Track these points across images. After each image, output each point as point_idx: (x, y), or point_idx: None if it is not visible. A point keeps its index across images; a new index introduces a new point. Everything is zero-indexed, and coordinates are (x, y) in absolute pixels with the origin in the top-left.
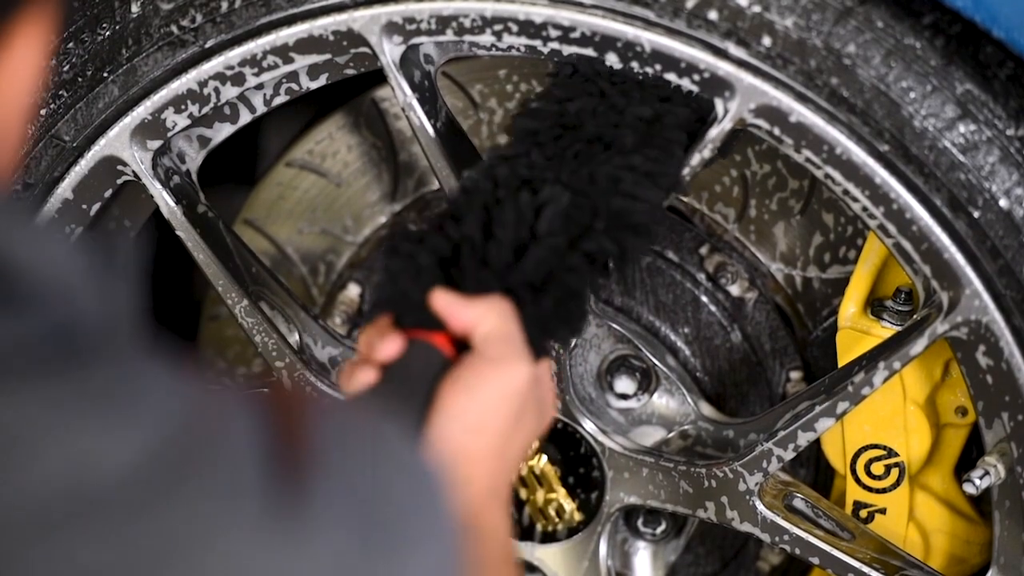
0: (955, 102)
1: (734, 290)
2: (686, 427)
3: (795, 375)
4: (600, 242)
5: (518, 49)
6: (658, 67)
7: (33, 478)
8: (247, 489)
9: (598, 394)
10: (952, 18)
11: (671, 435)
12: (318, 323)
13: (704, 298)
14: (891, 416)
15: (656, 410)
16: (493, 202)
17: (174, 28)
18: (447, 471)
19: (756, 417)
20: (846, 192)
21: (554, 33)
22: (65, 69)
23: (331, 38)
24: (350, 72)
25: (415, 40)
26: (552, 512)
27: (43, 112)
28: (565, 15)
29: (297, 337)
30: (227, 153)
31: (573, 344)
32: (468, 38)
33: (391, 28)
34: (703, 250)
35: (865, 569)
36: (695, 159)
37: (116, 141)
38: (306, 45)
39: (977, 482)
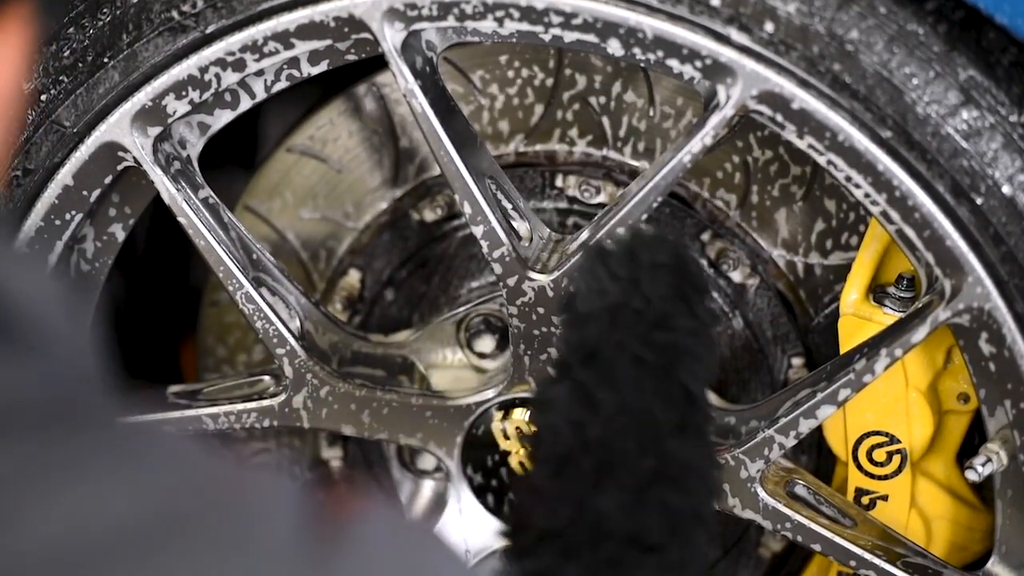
0: (958, 88)
1: (736, 276)
2: None
3: (797, 362)
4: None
5: (519, 35)
6: (660, 53)
7: (26, 533)
8: (281, 547)
9: None
10: (955, 4)
11: None
12: (319, 309)
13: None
14: (893, 403)
15: None
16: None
17: (175, 13)
18: None
19: (757, 404)
20: (848, 179)
21: (556, 19)
22: (66, 54)
23: (332, 24)
24: (351, 58)
25: (416, 26)
26: None
27: (43, 98)
28: (567, 1)
29: (298, 323)
30: (227, 138)
31: None
32: (470, 24)
33: (393, 14)
34: (705, 236)
35: (867, 556)
36: (696, 146)
37: (117, 127)
38: (307, 31)
39: (979, 469)
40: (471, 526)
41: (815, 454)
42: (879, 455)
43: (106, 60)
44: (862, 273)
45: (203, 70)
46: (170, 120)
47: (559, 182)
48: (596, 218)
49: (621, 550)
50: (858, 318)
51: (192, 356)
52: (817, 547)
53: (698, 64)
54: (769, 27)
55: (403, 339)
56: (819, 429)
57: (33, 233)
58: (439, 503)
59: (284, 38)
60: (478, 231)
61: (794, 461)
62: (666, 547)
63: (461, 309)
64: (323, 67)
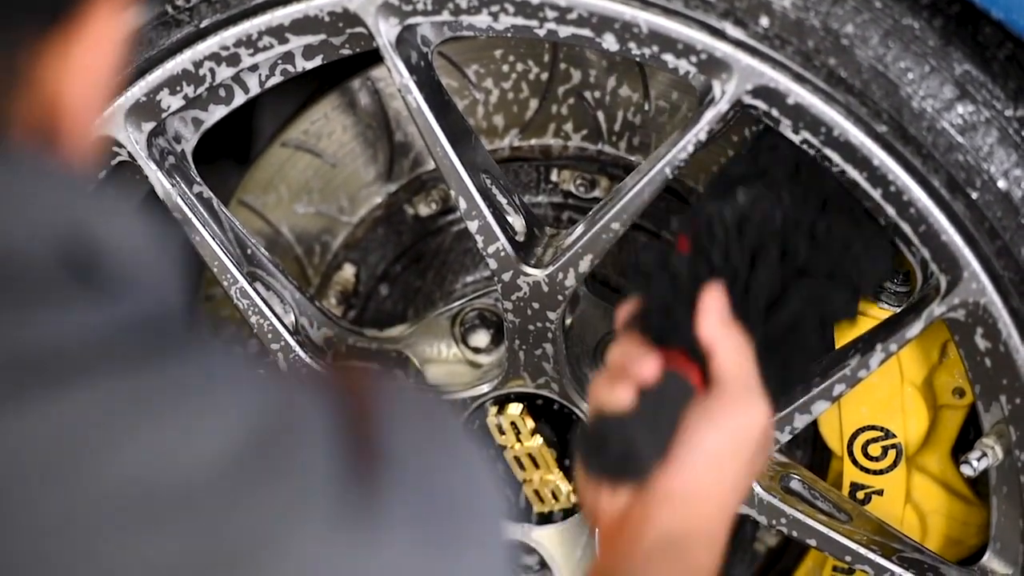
0: (953, 83)
1: None
2: None
3: None
4: (838, 301)
5: (514, 30)
6: (655, 48)
7: (113, 472)
8: (320, 489)
9: (594, 375)
10: None
11: None
12: (313, 304)
13: None
14: (888, 398)
15: None
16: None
17: (169, 8)
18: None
19: None
20: (843, 173)
21: (551, 14)
22: None
23: (327, 18)
24: (345, 52)
25: (411, 21)
26: (548, 493)
27: None
28: None
29: (293, 318)
30: (222, 132)
31: None
32: (465, 19)
33: (387, 8)
34: None
35: (862, 551)
36: (691, 141)
37: (111, 121)
38: (302, 25)
39: (975, 463)
40: None
41: (810, 449)
42: (874, 450)
43: None
44: None
45: (197, 65)
46: (164, 115)
47: (554, 176)
48: (591, 212)
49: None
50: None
51: None
52: (812, 542)
53: (693, 59)
54: (764, 22)
55: (398, 334)
56: (814, 424)
57: None
58: None
59: (278, 33)
60: (473, 226)
61: (789, 456)
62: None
63: (456, 304)
64: (317, 62)
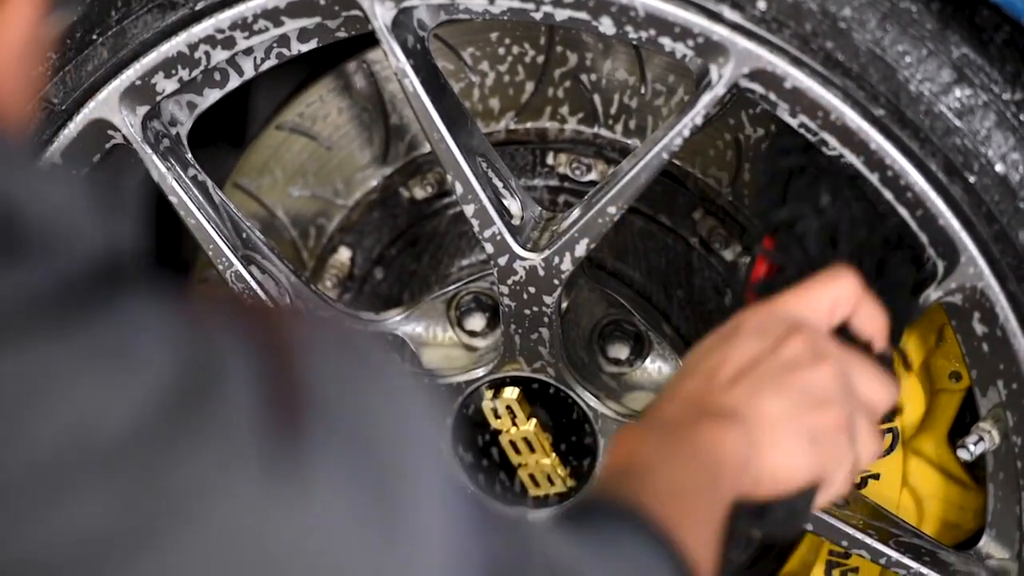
0: (951, 66)
1: (727, 255)
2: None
3: None
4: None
5: (511, 12)
6: (652, 31)
7: (35, 437)
8: (247, 437)
9: (590, 359)
10: None
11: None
12: (309, 287)
13: (697, 262)
14: None
15: (649, 375)
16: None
17: None
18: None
19: None
20: (841, 157)
21: None
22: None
23: (322, 2)
24: (341, 35)
25: (407, 3)
26: (544, 478)
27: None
28: None
29: (288, 302)
30: (217, 115)
31: None
32: (461, 1)
33: None
34: (696, 214)
35: (859, 535)
36: (688, 124)
37: (105, 104)
38: (297, 8)
39: (971, 448)
40: None
41: None
42: None
43: (95, 37)
44: None
45: (192, 47)
46: (159, 98)
47: (550, 160)
48: (587, 196)
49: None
50: None
51: None
52: (809, 526)
53: (690, 42)
54: (762, 5)
55: (393, 317)
56: None
57: None
58: None
59: (274, 15)
60: (469, 210)
61: None
62: None
63: (452, 287)
64: (312, 45)
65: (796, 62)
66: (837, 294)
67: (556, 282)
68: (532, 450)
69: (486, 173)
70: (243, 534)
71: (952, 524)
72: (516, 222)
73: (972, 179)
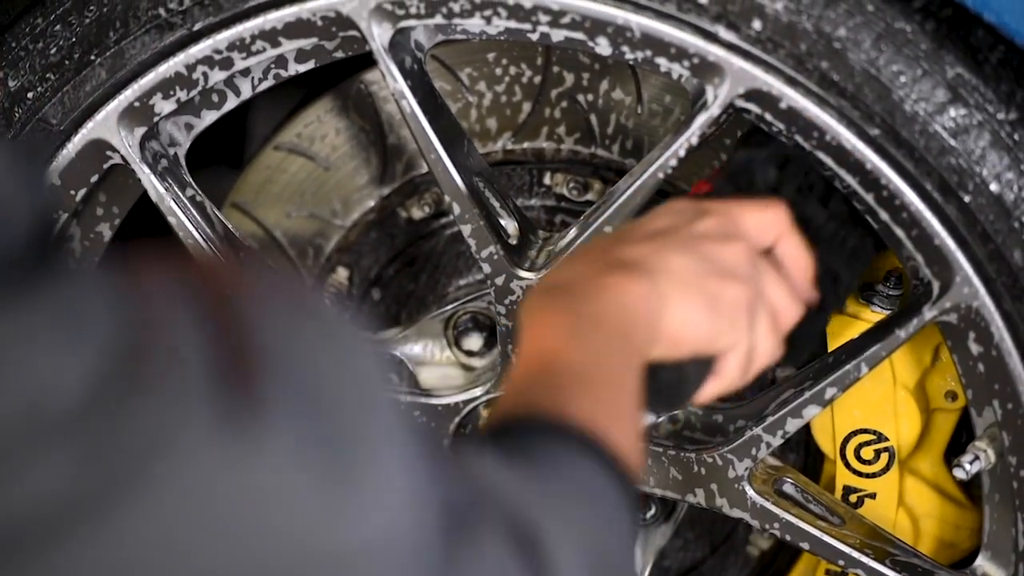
0: (946, 86)
1: None
2: (675, 411)
3: None
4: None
5: (508, 33)
6: (649, 52)
7: None
8: (195, 399)
9: None
10: (943, 1)
11: (660, 419)
12: None
13: None
14: (881, 401)
15: None
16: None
17: (162, 11)
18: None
19: (745, 402)
20: (836, 177)
21: (544, 18)
22: (52, 52)
23: (320, 22)
24: (338, 56)
25: (404, 24)
26: None
27: (30, 96)
28: None
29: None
30: (215, 135)
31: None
32: (458, 22)
33: (380, 12)
34: None
35: (855, 554)
36: (684, 144)
37: (103, 125)
38: (294, 29)
39: (967, 467)
40: None
41: (803, 452)
42: (867, 453)
43: (93, 57)
44: None
45: (190, 68)
46: (157, 119)
47: (547, 180)
48: (584, 216)
49: None
50: (846, 316)
51: None
52: (805, 545)
53: (686, 63)
54: (757, 25)
55: (391, 337)
56: (807, 427)
57: None
58: None
59: (271, 36)
60: (466, 230)
61: (782, 459)
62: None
63: (449, 307)
64: (310, 65)
65: (791, 82)
66: (764, 217)
67: None
68: None
69: (483, 193)
70: (197, 493)
71: (948, 543)
72: (513, 242)
73: (967, 199)
